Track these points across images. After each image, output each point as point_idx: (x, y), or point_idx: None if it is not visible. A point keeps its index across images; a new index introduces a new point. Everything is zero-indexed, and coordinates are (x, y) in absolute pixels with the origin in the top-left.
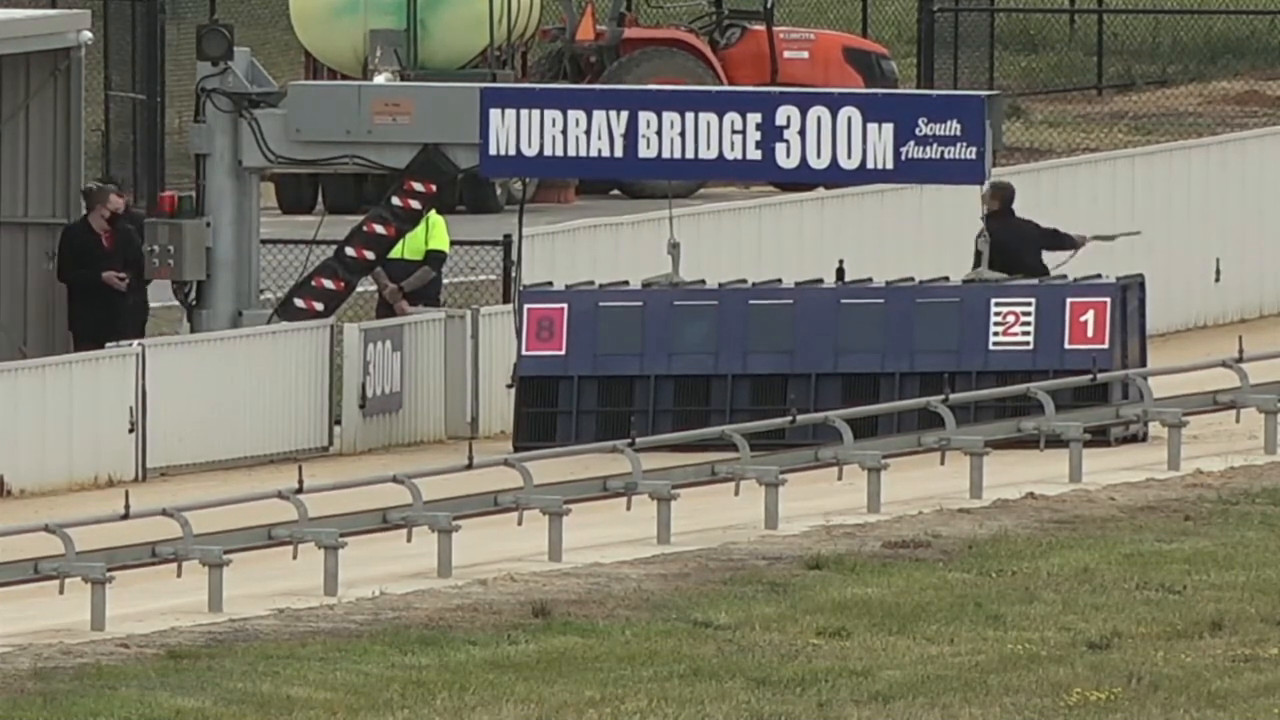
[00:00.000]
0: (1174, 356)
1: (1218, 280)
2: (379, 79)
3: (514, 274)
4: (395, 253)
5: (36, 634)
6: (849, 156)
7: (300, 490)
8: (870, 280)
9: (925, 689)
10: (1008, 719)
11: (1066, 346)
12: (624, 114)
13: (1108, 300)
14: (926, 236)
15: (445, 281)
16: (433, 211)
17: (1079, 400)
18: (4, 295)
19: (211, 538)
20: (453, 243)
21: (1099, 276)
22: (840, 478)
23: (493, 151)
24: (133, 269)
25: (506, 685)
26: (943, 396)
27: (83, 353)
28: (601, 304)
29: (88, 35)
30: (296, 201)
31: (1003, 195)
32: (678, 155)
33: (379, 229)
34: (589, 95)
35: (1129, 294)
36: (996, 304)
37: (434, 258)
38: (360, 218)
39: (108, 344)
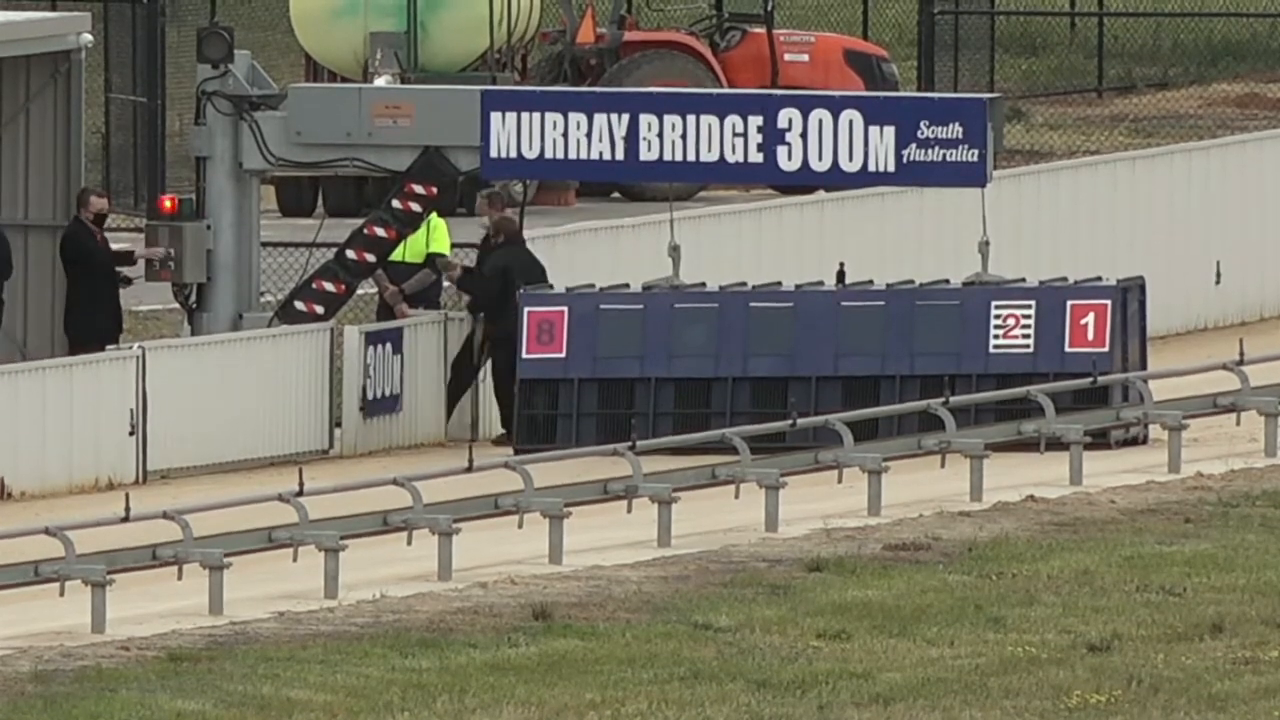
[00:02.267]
0: (1174, 359)
1: (1218, 283)
2: (379, 81)
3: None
4: (396, 255)
5: (36, 636)
6: (850, 159)
7: (300, 493)
8: (871, 283)
9: (926, 691)
10: None
11: (1067, 349)
12: (625, 116)
13: (1108, 303)
14: (927, 239)
15: (447, 284)
16: (434, 214)
17: (1079, 403)
18: (4, 298)
19: (212, 540)
20: (454, 245)
21: (1099, 279)
22: (840, 480)
23: (493, 154)
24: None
25: (507, 688)
26: (943, 399)
27: (83, 355)
28: (602, 307)
29: (88, 38)
30: (297, 204)
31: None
32: (679, 158)
33: (380, 232)
34: (589, 98)
35: (1129, 296)
36: (997, 307)
37: (434, 262)
38: (361, 220)
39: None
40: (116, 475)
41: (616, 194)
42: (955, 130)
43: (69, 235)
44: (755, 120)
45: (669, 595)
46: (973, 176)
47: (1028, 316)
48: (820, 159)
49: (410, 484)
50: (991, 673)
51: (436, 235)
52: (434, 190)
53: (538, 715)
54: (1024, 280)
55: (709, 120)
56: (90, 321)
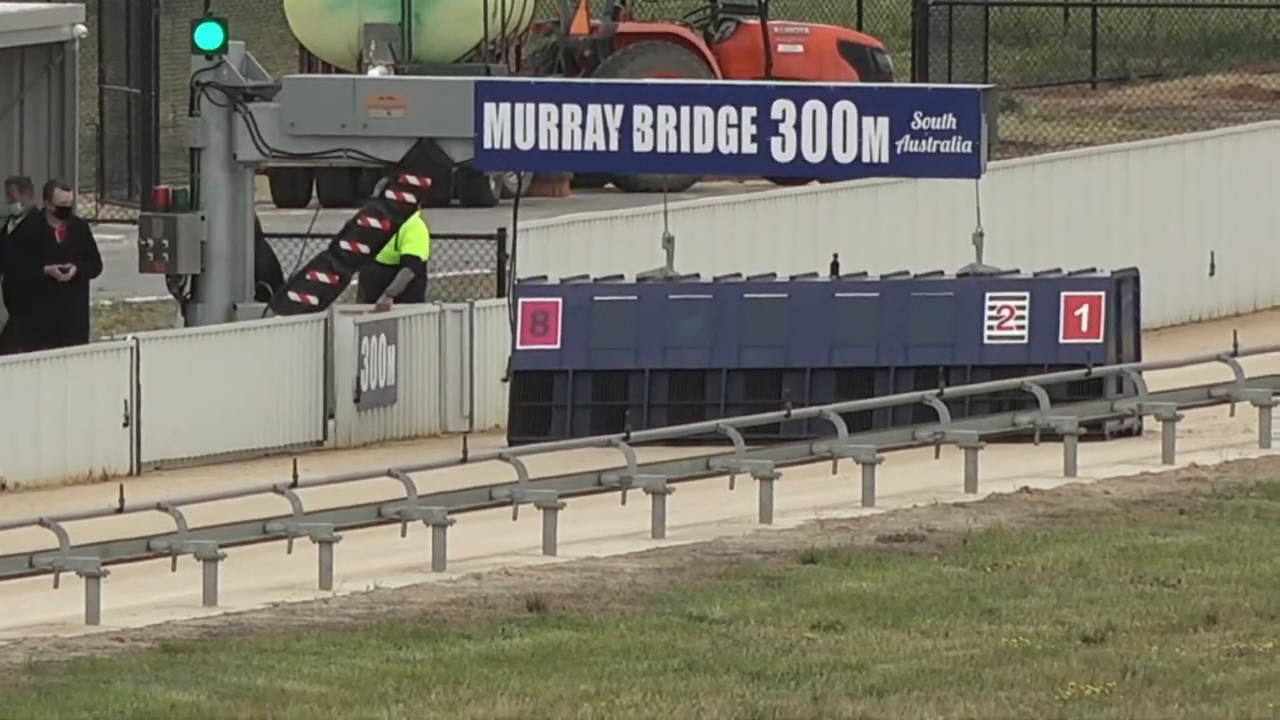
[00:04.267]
0: (1168, 350)
1: (1212, 274)
2: (373, 72)
3: (509, 268)
4: None
5: (31, 628)
6: (844, 150)
7: (295, 484)
8: (865, 274)
9: (919, 683)
10: (1002, 713)
11: (1061, 340)
12: (619, 108)
13: (1102, 294)
14: (921, 230)
15: (440, 276)
16: (415, 215)
17: (1074, 394)
18: None
19: (206, 532)
20: (448, 236)
21: (1094, 270)
22: (835, 471)
23: (487, 145)
24: (88, 265)
25: (501, 679)
26: (937, 390)
27: (77, 346)
28: (596, 298)
29: (82, 29)
30: (291, 195)
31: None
32: (673, 149)
33: (373, 222)
34: (584, 89)
35: (1124, 288)
36: (991, 298)
37: (410, 263)
38: (355, 211)
39: (55, 341)
40: (110, 466)
41: (610, 185)
42: (949, 121)
43: (28, 227)
44: (749, 111)
45: (663, 587)
46: (967, 167)
47: (1022, 308)
48: (814, 150)
49: (405, 475)
50: (986, 664)
51: (410, 235)
52: (428, 181)
53: (532, 706)
54: (1018, 271)
55: (703, 111)
56: (27, 312)
